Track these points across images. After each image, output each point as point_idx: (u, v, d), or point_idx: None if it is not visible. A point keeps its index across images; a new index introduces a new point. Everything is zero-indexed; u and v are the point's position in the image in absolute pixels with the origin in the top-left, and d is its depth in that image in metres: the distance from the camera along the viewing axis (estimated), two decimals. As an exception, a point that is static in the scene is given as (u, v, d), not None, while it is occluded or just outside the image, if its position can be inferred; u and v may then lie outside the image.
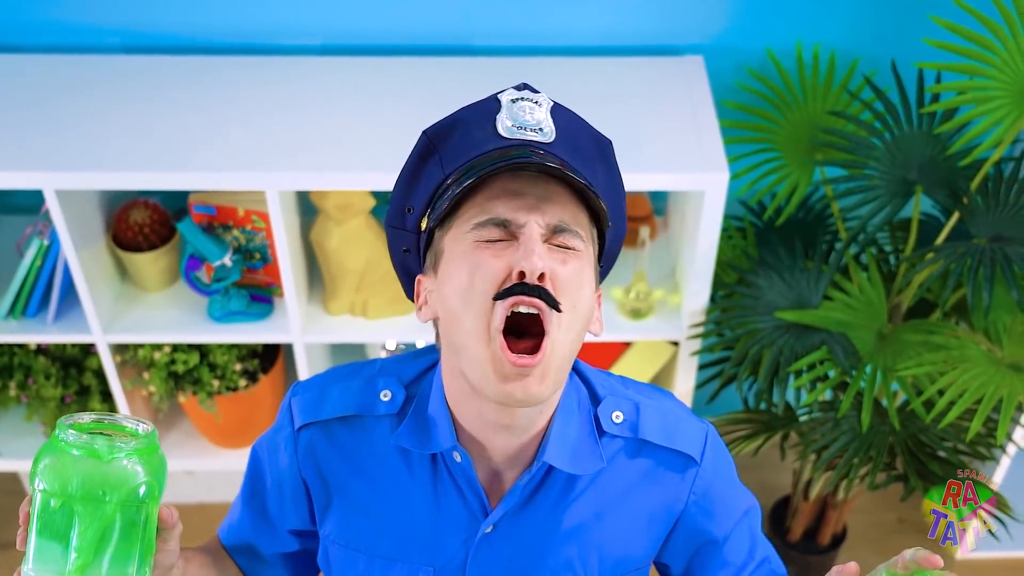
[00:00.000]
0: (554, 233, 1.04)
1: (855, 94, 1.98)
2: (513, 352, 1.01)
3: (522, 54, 2.09)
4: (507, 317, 1.01)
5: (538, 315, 1.01)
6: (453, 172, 1.06)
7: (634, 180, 1.83)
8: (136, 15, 2.06)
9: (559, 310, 1.01)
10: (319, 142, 1.88)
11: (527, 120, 1.05)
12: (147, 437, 0.96)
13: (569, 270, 1.03)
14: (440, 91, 1.97)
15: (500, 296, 1.01)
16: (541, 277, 1.01)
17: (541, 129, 1.05)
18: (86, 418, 0.97)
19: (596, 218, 1.08)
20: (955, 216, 1.86)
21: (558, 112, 1.07)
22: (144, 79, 2.01)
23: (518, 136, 1.04)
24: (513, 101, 1.06)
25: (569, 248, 1.04)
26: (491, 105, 1.06)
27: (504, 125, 1.05)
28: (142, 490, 0.95)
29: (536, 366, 1.01)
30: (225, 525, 1.33)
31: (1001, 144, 1.78)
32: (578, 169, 1.06)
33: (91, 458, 0.93)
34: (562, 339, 1.02)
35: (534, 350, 1.02)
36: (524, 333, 1.03)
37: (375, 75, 2.03)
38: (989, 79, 1.73)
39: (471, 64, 2.06)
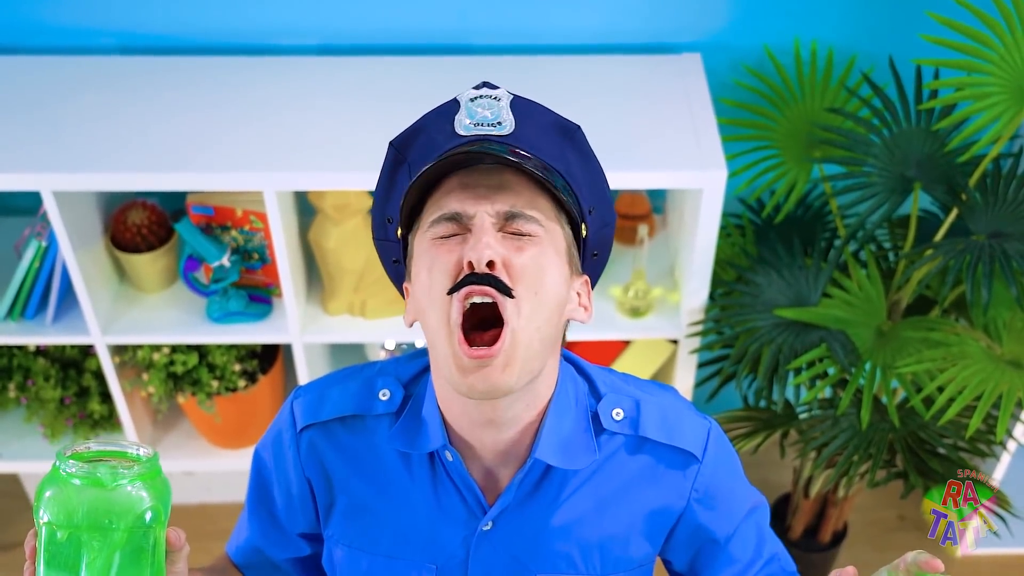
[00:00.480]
0: (507, 220, 1.04)
1: (853, 91, 1.98)
2: (477, 343, 1.02)
3: (519, 53, 2.09)
4: (469, 310, 1.02)
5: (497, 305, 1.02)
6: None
7: (632, 178, 1.83)
8: (132, 16, 2.06)
9: (511, 296, 1.01)
10: (316, 142, 1.88)
11: (484, 116, 1.06)
12: (149, 461, 0.95)
13: (526, 257, 1.03)
14: (437, 90, 1.96)
15: (453, 290, 1.02)
16: (491, 265, 1.01)
17: (500, 123, 1.05)
18: (85, 446, 0.96)
19: (563, 204, 1.08)
20: (954, 212, 1.86)
21: (518, 105, 1.07)
22: (141, 80, 2.01)
23: (475, 133, 1.05)
24: (472, 100, 1.06)
25: (525, 235, 1.04)
26: (451, 107, 1.07)
27: (462, 124, 1.06)
28: (148, 515, 0.94)
29: (496, 356, 1.01)
30: (233, 543, 1.33)
31: (999, 140, 1.78)
32: (543, 158, 1.06)
33: (94, 487, 0.92)
34: (524, 327, 1.02)
35: (496, 339, 1.02)
36: (492, 325, 1.03)
37: (372, 75, 2.03)
38: (987, 75, 1.73)
39: (468, 63, 2.05)
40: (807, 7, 2.04)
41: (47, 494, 0.93)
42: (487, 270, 1.01)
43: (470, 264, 1.01)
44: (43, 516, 0.93)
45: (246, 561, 1.31)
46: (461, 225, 1.04)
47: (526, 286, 1.03)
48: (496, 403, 1.08)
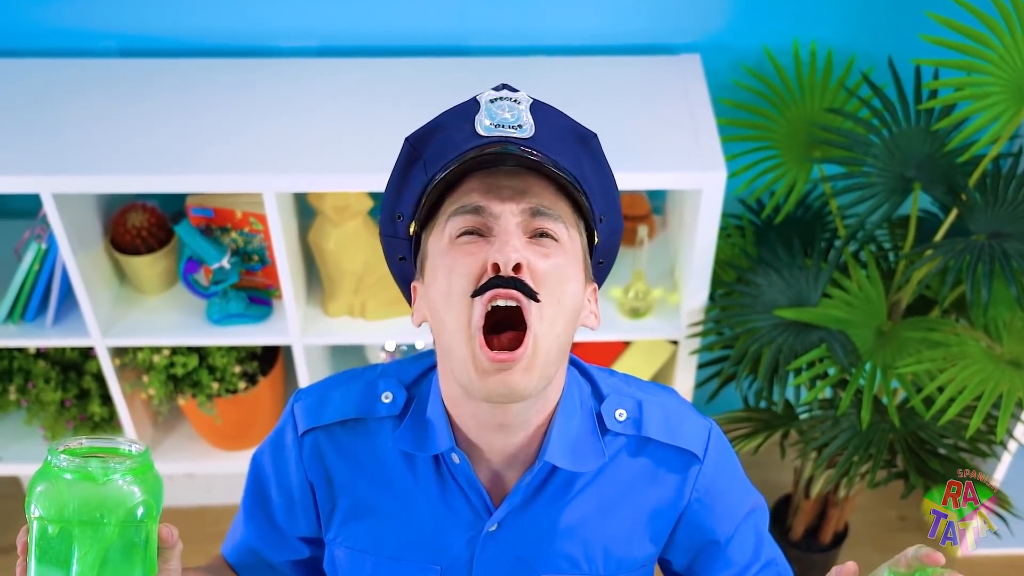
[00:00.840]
0: (533, 217, 1.03)
1: (852, 91, 1.98)
2: (496, 345, 1.02)
3: (518, 54, 2.09)
4: (490, 314, 1.01)
5: (520, 308, 1.01)
6: (435, 175, 1.06)
7: (632, 179, 1.83)
8: (132, 18, 2.06)
9: (537, 300, 1.01)
10: (316, 144, 1.88)
11: (506, 118, 1.05)
12: (140, 456, 0.95)
13: (550, 264, 1.03)
14: (437, 92, 1.97)
15: (477, 292, 1.01)
16: (517, 268, 1.00)
17: (520, 126, 1.04)
18: (76, 443, 0.96)
19: (581, 211, 1.08)
20: (954, 213, 1.86)
21: (538, 109, 1.06)
22: (141, 82, 2.01)
23: (497, 134, 1.04)
24: (492, 101, 1.06)
25: (549, 236, 1.04)
26: (470, 106, 1.06)
27: (483, 124, 1.04)
28: (140, 511, 0.93)
29: (517, 361, 1.00)
30: (229, 543, 1.33)
31: (999, 140, 1.78)
32: (560, 163, 1.05)
33: (86, 481, 0.92)
34: (545, 333, 1.02)
35: (515, 342, 1.01)
36: (508, 328, 1.03)
37: (372, 76, 2.03)
38: (986, 75, 1.73)
39: (468, 64, 2.06)
40: (806, 8, 2.04)
41: (38, 489, 0.93)
42: (513, 273, 1.00)
43: (495, 267, 1.00)
44: (34, 511, 0.93)
45: (241, 561, 1.31)
46: (482, 220, 1.03)
47: (549, 292, 1.02)
48: (509, 407, 1.07)
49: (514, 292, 1.00)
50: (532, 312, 1.01)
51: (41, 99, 1.97)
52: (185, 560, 1.10)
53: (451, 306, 1.03)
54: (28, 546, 0.93)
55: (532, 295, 1.00)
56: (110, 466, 0.93)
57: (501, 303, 1.01)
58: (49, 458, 0.94)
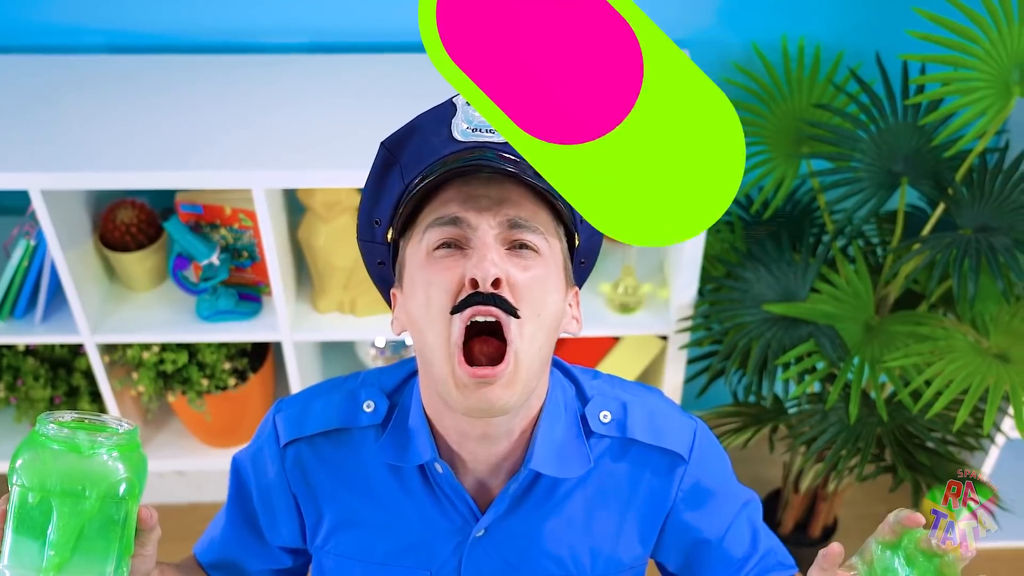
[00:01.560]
0: (511, 228, 1.01)
1: (840, 87, 1.98)
2: (479, 352, 1.01)
3: (508, 50, 2.09)
4: (471, 326, 1.00)
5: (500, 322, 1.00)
6: (412, 181, 1.04)
7: (621, 175, 1.83)
8: (121, 15, 2.05)
9: (517, 316, 0.99)
10: (305, 140, 1.88)
11: (482, 121, 1.03)
12: (128, 434, 0.95)
13: (529, 276, 1.01)
14: (428, 88, 1.97)
15: (456, 309, 0.99)
16: (496, 283, 0.98)
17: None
18: (68, 416, 0.95)
19: (561, 216, 1.06)
20: (941, 207, 1.87)
21: None
22: (129, 79, 2.01)
23: (473, 138, 1.03)
24: (468, 103, 1.03)
25: (528, 247, 1.02)
26: (446, 109, 1.04)
27: (459, 128, 1.03)
28: (122, 487, 0.93)
29: (498, 377, 0.99)
30: (205, 542, 1.31)
31: (985, 135, 1.78)
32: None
33: (71, 452, 0.92)
34: (526, 348, 1.00)
35: (499, 351, 1.00)
36: (485, 333, 1.02)
37: (361, 72, 2.03)
38: (973, 70, 1.74)
39: (457, 60, 2.05)
40: (794, 4, 2.05)
41: (23, 457, 0.92)
42: (492, 289, 0.98)
43: (473, 282, 0.98)
44: (16, 479, 0.92)
45: (215, 563, 1.29)
46: (460, 232, 1.01)
47: (529, 306, 1.01)
48: (491, 419, 1.06)
49: (493, 309, 0.98)
50: (512, 328, 0.99)
51: (29, 96, 1.97)
52: (172, 557, 1.09)
53: (430, 321, 1.01)
54: (6, 515, 0.93)
55: (512, 311, 0.99)
56: (97, 440, 0.93)
57: (481, 319, 0.99)
58: (37, 427, 0.93)
